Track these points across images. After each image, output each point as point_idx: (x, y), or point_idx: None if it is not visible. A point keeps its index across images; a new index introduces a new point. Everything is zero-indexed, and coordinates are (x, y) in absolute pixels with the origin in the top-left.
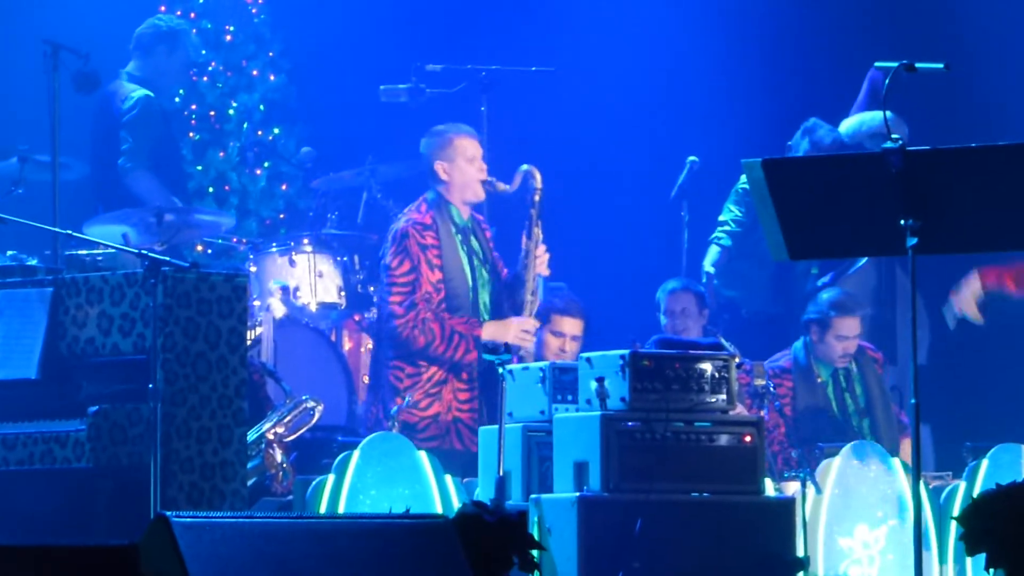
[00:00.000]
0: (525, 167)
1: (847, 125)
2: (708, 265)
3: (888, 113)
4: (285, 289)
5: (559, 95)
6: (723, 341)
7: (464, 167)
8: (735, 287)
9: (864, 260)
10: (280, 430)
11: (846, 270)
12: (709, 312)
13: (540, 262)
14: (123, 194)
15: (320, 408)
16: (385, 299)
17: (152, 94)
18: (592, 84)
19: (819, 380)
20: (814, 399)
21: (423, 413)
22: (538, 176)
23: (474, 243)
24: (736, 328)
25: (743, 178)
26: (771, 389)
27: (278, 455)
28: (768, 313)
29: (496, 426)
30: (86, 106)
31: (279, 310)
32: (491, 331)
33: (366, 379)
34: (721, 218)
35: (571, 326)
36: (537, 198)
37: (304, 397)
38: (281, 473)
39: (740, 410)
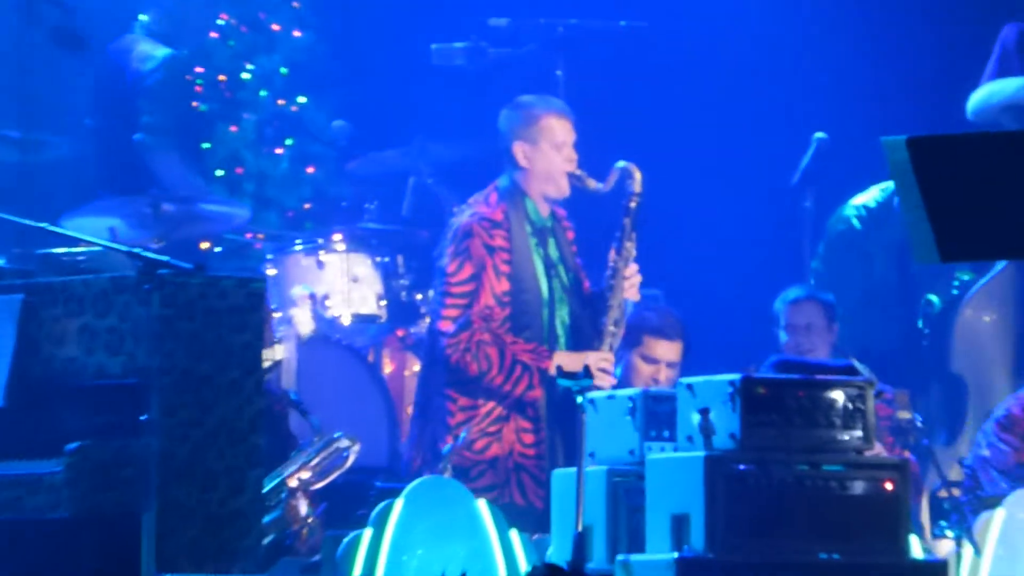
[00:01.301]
0: (622, 164)
1: (973, 100)
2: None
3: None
4: (312, 297)
5: (652, 57)
6: (857, 364)
7: (549, 154)
8: (876, 341)
9: (1003, 263)
10: (306, 475)
11: (980, 276)
12: (839, 328)
13: (629, 285)
14: (138, 176)
15: (356, 448)
16: (437, 312)
17: (177, 53)
18: (693, 43)
19: None
20: None
21: (478, 456)
22: (638, 177)
23: (552, 247)
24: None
25: (847, 210)
26: (917, 423)
27: (303, 507)
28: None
29: (574, 469)
30: (73, 70)
31: (305, 324)
32: (561, 364)
33: (411, 410)
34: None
35: (666, 350)
36: (633, 204)
37: (337, 435)
38: (306, 529)
39: (879, 450)
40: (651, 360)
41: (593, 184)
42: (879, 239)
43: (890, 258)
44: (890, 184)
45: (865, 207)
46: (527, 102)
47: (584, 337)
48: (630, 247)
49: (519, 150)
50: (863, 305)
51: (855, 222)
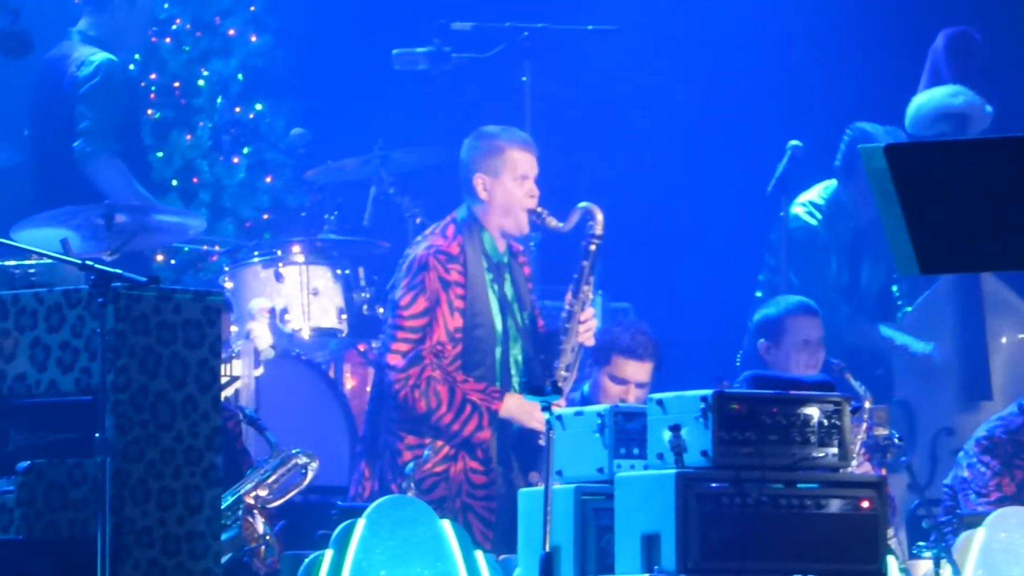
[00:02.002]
0: (584, 205)
1: (908, 112)
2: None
3: (955, 87)
4: (271, 311)
5: (621, 62)
6: (852, 380)
7: (511, 187)
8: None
9: (939, 280)
10: (263, 493)
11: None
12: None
13: (584, 329)
14: (78, 187)
15: (314, 465)
16: (387, 345)
17: (115, 58)
18: (663, 48)
19: None
20: None
21: (426, 496)
22: (599, 218)
23: (507, 285)
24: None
25: (794, 208)
26: (895, 440)
27: (260, 525)
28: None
29: (541, 488)
30: (16, 75)
31: (263, 339)
32: (512, 407)
33: None
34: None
35: (636, 371)
36: (593, 247)
37: (294, 451)
38: (264, 548)
39: (868, 468)
40: (620, 381)
41: (553, 223)
42: (833, 238)
43: (843, 259)
44: (832, 182)
45: (812, 203)
46: (491, 132)
47: (536, 379)
48: (587, 291)
49: (479, 182)
50: (830, 306)
51: (808, 219)
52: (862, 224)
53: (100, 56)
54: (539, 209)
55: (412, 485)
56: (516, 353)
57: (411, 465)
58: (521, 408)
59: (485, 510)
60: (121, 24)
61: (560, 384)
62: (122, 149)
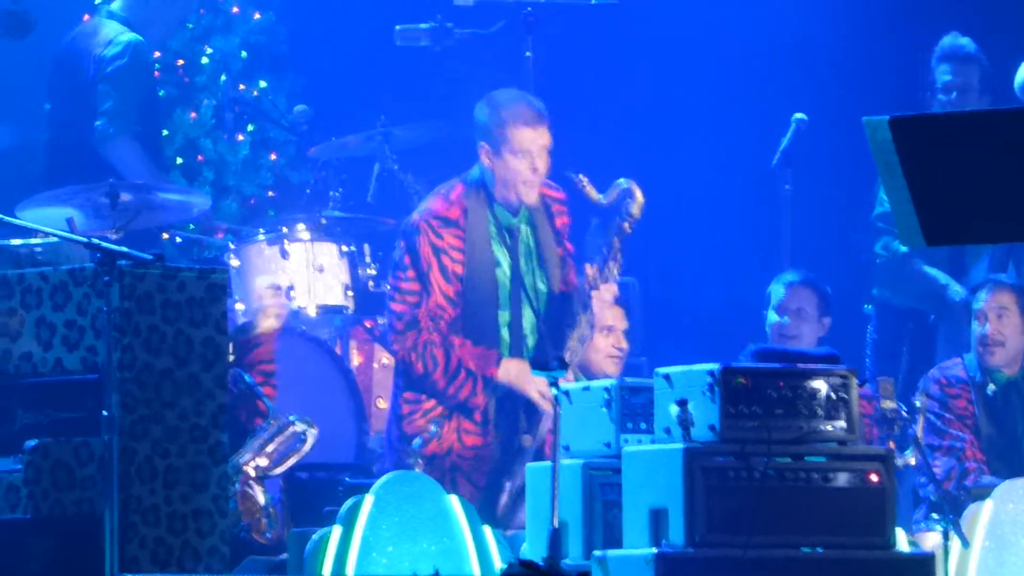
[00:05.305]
0: (624, 183)
1: (1019, 76)
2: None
3: None
4: (276, 288)
5: (624, 36)
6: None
7: (510, 161)
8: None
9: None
10: (262, 462)
11: None
12: (832, 321)
13: (603, 304)
14: (93, 163)
15: (313, 432)
16: (388, 307)
17: (143, 40)
18: (667, 21)
19: (990, 388)
20: (992, 417)
21: (417, 452)
22: (639, 197)
23: (523, 244)
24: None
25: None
26: (903, 413)
27: (260, 496)
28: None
29: (549, 463)
30: (26, 55)
31: (269, 316)
32: (511, 371)
33: (381, 403)
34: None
35: (616, 318)
36: (627, 227)
37: (291, 418)
38: (265, 520)
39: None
40: (608, 329)
41: (594, 194)
42: None
43: None
44: None
45: None
46: (497, 102)
47: (544, 349)
48: (613, 267)
49: (483, 150)
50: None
51: None
52: None
53: (128, 36)
54: (581, 177)
55: (419, 460)
56: (528, 317)
57: (418, 440)
58: (519, 374)
59: (473, 470)
60: (155, 14)
61: (567, 355)
62: (141, 132)
